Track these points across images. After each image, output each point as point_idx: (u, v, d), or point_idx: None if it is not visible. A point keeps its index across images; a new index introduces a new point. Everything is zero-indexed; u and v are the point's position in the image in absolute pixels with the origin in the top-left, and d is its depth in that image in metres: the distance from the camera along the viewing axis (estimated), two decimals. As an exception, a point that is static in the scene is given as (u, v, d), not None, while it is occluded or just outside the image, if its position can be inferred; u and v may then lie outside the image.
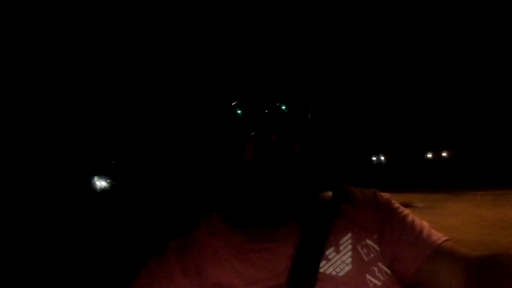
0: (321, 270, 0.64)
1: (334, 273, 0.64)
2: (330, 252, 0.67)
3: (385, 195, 0.79)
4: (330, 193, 0.76)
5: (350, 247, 0.68)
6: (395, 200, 0.78)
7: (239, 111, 0.65)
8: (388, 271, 0.67)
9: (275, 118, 0.64)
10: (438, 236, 0.68)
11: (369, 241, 0.69)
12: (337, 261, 0.66)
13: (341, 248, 0.67)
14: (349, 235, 0.69)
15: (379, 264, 0.67)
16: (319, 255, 0.66)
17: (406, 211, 0.75)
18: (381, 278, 0.65)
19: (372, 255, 0.68)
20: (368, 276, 0.64)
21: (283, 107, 0.65)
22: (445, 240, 0.68)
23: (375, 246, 0.69)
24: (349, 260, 0.66)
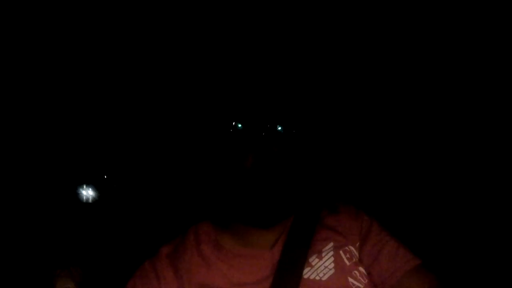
0: (305, 276, 0.68)
1: (317, 278, 0.68)
2: (313, 259, 0.70)
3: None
4: (313, 204, 0.80)
5: (332, 253, 0.71)
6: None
7: (239, 125, 0.71)
8: (367, 276, 0.71)
9: (273, 134, 0.70)
10: (415, 256, 0.73)
11: (351, 247, 0.73)
12: (320, 267, 0.69)
13: (323, 255, 0.71)
14: (331, 244, 0.73)
15: (360, 268, 0.71)
16: (303, 263, 0.69)
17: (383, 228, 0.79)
18: (362, 281, 0.69)
19: (354, 259, 0.71)
20: (350, 279, 0.68)
21: (279, 128, 0.71)
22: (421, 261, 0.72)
23: (356, 252, 0.73)
24: (332, 265, 0.69)
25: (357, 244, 0.74)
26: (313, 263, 0.70)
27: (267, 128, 0.70)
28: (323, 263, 0.70)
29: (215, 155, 0.74)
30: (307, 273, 0.68)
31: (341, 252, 0.71)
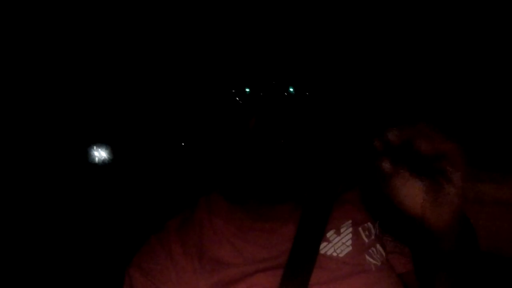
0: (321, 252, 0.65)
1: (334, 254, 0.65)
2: (331, 234, 0.67)
3: None
4: (332, 177, 0.76)
5: (350, 229, 0.68)
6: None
7: (247, 90, 0.65)
8: (384, 253, 0.68)
9: (281, 95, 0.64)
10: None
11: (369, 224, 0.70)
12: (338, 243, 0.66)
13: (342, 230, 0.68)
14: (350, 220, 0.69)
15: (377, 245, 0.68)
16: (320, 237, 0.66)
17: None
18: (379, 258, 0.66)
19: (372, 237, 0.68)
20: (367, 257, 0.65)
21: (291, 89, 0.65)
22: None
23: (373, 230, 0.70)
24: (350, 242, 0.66)
25: (377, 223, 0.71)
26: (331, 239, 0.67)
27: (274, 89, 0.65)
28: (341, 239, 0.67)
29: (219, 122, 0.69)
30: (324, 248, 0.65)
31: (360, 229, 0.68)
